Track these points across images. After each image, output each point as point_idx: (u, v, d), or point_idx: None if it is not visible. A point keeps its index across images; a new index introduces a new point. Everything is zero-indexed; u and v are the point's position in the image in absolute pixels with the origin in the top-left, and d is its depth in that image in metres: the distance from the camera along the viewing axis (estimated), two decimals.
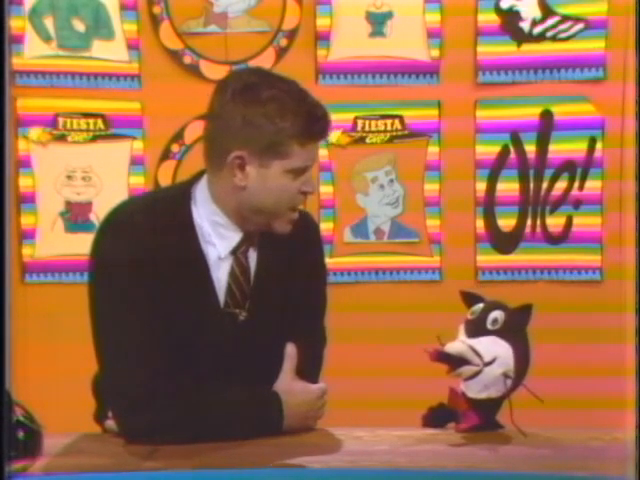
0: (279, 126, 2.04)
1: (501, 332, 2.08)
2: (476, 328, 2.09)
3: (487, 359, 2.05)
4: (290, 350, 2.12)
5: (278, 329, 2.15)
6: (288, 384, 2.10)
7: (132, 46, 3.46)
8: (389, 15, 3.47)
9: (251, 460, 1.90)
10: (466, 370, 2.05)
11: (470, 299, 2.16)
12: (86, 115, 3.47)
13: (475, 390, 2.07)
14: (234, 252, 2.13)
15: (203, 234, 2.12)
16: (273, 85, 2.07)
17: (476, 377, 2.06)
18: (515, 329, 2.10)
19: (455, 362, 2.05)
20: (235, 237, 2.13)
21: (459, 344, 2.07)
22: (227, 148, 2.06)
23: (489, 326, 2.08)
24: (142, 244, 2.06)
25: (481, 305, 2.12)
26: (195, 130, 3.38)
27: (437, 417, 2.14)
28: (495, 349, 2.06)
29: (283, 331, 2.14)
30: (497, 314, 2.09)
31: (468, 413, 2.08)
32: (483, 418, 2.08)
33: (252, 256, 2.16)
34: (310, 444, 2.04)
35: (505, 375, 2.06)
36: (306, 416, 2.13)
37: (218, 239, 2.12)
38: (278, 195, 2.08)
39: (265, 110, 2.04)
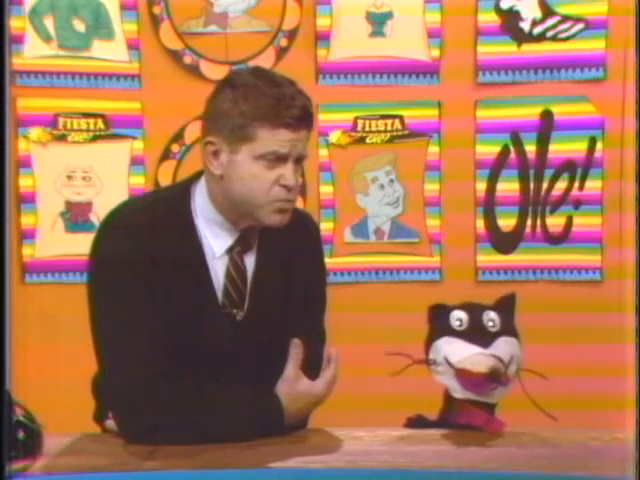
0: (242, 109, 2.03)
1: (503, 330, 2.07)
2: (483, 335, 2.06)
3: (507, 361, 2.04)
4: (295, 347, 2.09)
5: (277, 329, 2.15)
6: (291, 386, 2.08)
7: (132, 46, 3.46)
8: (389, 15, 3.47)
9: (251, 460, 1.90)
10: (502, 380, 2.03)
11: (437, 311, 2.12)
12: (86, 115, 3.47)
13: (498, 395, 2.06)
14: (229, 251, 2.13)
15: (201, 233, 2.12)
16: (253, 74, 2.09)
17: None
18: (510, 321, 2.09)
19: (495, 379, 2.03)
20: (230, 236, 2.13)
21: (486, 358, 2.04)
22: (203, 137, 2.09)
23: (490, 329, 2.07)
24: (142, 244, 2.06)
25: (460, 312, 2.09)
26: (195, 130, 3.37)
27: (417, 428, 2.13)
28: (510, 349, 2.05)
29: (282, 331, 2.14)
30: (490, 315, 2.08)
31: (492, 420, 2.06)
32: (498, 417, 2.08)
33: (250, 256, 2.16)
34: (310, 444, 2.04)
35: (518, 369, 2.04)
36: (308, 412, 2.13)
37: (213, 238, 2.13)
38: (251, 184, 2.05)
39: (233, 94, 2.04)
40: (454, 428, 2.08)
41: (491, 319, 2.07)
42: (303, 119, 2.06)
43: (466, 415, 2.07)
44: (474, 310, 2.09)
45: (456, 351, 2.06)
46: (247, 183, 2.06)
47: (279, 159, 2.05)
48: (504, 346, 2.05)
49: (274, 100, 2.02)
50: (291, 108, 2.03)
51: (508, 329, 2.08)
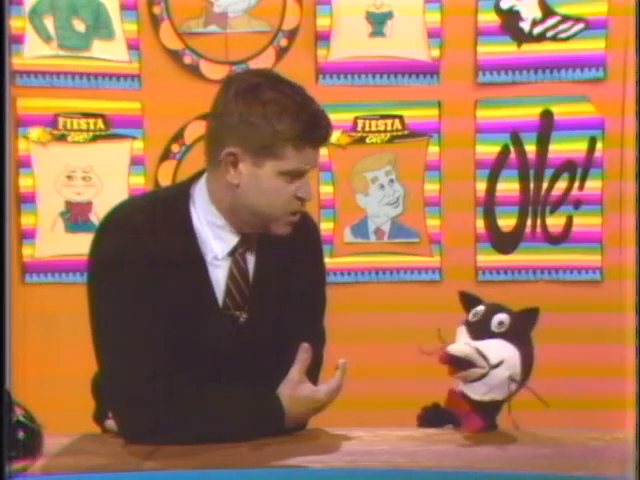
0: (276, 128, 2.03)
1: (507, 335, 2.07)
2: (480, 330, 2.07)
3: (494, 362, 2.04)
4: (304, 352, 2.08)
5: (278, 330, 2.15)
6: (294, 389, 2.07)
7: (132, 46, 3.46)
8: (389, 15, 3.47)
9: (251, 460, 1.90)
10: (472, 373, 2.04)
11: (469, 300, 2.15)
12: (86, 115, 3.47)
13: (479, 392, 2.06)
14: (232, 254, 2.13)
15: (201, 235, 2.12)
16: (276, 87, 2.07)
17: (481, 379, 2.05)
18: (521, 332, 2.09)
19: (461, 365, 2.04)
20: (233, 239, 2.13)
21: (464, 347, 2.05)
22: (223, 144, 2.07)
23: (494, 329, 2.07)
24: (141, 244, 2.06)
25: (482, 307, 2.11)
26: (195, 130, 3.38)
27: (431, 417, 2.13)
28: (502, 352, 2.05)
29: (283, 332, 2.14)
30: (503, 317, 2.08)
31: (470, 415, 2.07)
32: (486, 420, 2.07)
33: (250, 257, 2.15)
34: (310, 444, 2.04)
35: (511, 378, 2.05)
36: (308, 415, 2.12)
37: (216, 240, 2.12)
38: (271, 197, 2.07)
39: (264, 111, 2.04)
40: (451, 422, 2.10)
41: (500, 321, 2.08)
42: (328, 139, 2.12)
43: (453, 402, 2.09)
44: (490, 309, 2.11)
45: (456, 339, 2.09)
46: (267, 196, 2.07)
47: (301, 173, 2.08)
48: (496, 348, 2.06)
49: (305, 121, 2.05)
50: (318, 129, 2.07)
51: (514, 338, 2.07)
